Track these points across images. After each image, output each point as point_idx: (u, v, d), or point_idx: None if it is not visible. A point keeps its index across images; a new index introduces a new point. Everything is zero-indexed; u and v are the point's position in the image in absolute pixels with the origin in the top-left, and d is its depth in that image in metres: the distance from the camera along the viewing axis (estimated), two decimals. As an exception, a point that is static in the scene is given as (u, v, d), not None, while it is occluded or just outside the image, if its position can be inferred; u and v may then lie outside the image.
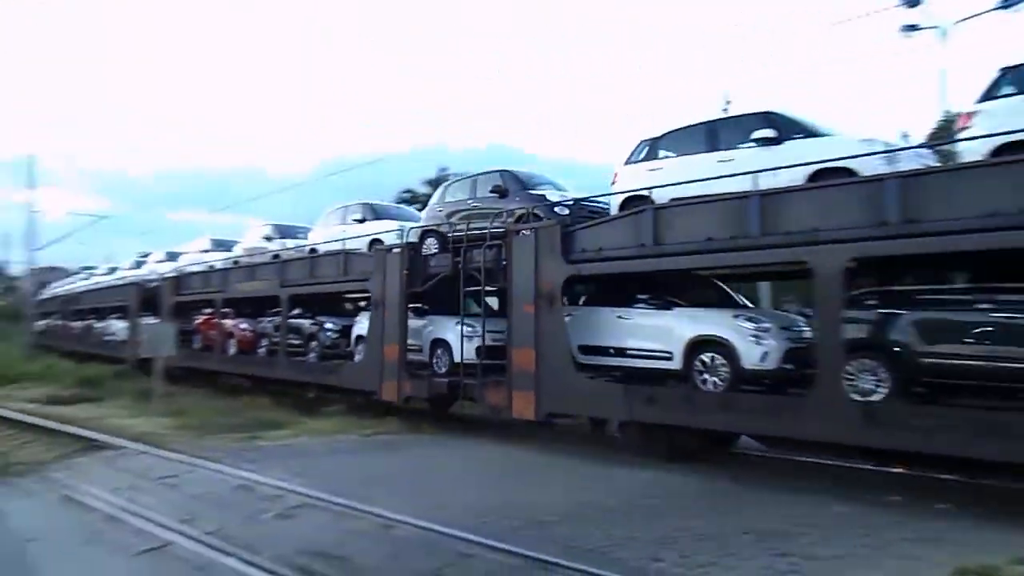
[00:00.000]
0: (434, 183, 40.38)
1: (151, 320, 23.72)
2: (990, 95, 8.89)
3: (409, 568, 5.82)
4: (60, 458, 11.07)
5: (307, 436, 12.72)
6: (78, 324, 34.94)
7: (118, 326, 28.85)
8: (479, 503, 7.89)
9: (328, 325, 17.69)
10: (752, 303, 12.49)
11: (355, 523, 7.11)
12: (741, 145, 10.25)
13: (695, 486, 8.87)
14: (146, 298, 26.60)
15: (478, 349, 13.17)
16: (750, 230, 9.40)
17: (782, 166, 9.36)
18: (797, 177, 9.30)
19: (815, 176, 9.20)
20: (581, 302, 12.50)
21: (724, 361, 9.89)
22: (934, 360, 8.19)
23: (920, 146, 10.33)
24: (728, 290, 11.53)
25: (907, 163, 8.88)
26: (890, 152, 9.15)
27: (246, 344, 20.53)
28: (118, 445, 11.76)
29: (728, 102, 23.73)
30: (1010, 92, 8.78)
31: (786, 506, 7.80)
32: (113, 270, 34.87)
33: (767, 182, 9.37)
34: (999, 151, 8.19)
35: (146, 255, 31.16)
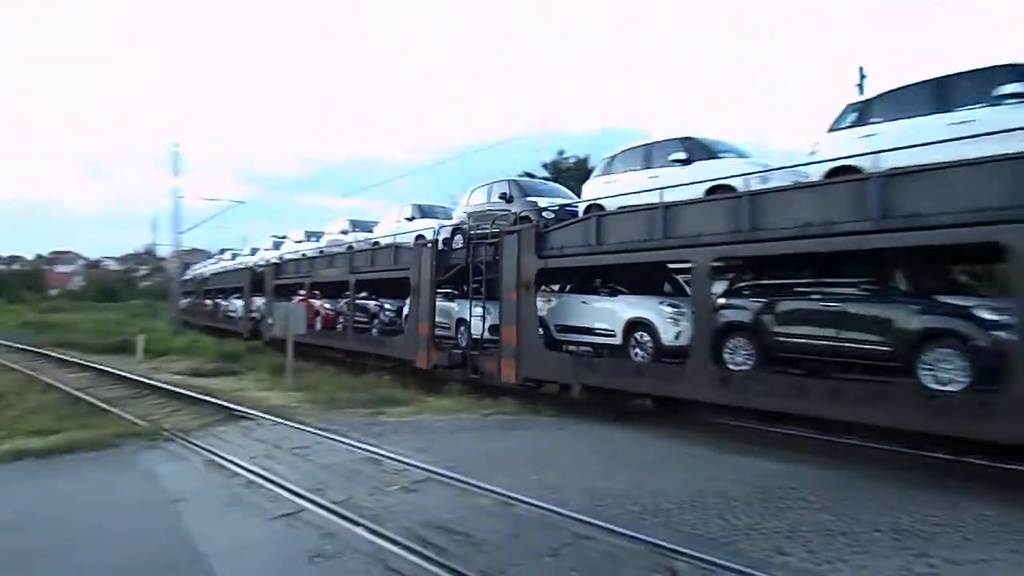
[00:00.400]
0: (552, 166, 40.40)
1: (281, 301, 25.12)
2: (835, 126, 10.72)
3: (529, 547, 5.93)
4: (204, 426, 11.94)
5: (428, 414, 13.15)
6: (208, 302, 39.94)
7: (237, 304, 33.53)
8: (597, 486, 7.93)
9: (387, 306, 21.19)
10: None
11: (476, 500, 7.32)
12: (978, 106, 8.97)
13: (819, 478, 8.54)
14: (255, 280, 31.14)
15: (490, 328, 15.94)
16: (656, 235, 11.96)
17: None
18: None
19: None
20: (559, 289, 15.13)
21: (649, 338, 12.37)
22: (785, 339, 10.35)
23: (783, 167, 11.46)
24: (674, 280, 13.50)
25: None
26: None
27: (328, 321, 24.11)
28: (255, 416, 12.58)
29: (864, 76, 22.47)
30: (847, 125, 10.58)
31: (921, 504, 7.38)
32: (235, 256, 40.43)
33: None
34: (832, 173, 10.13)
35: (283, 237, 33.25)
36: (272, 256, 31.13)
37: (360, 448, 9.82)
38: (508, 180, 17.34)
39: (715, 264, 11.19)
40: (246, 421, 12.32)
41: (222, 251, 49.22)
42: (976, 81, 9.25)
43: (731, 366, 10.86)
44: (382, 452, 9.47)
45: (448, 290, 18.12)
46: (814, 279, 10.34)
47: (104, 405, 14.91)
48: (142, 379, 18.65)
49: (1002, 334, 8.08)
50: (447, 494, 7.58)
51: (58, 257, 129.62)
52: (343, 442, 10.29)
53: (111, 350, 29.99)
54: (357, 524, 6.46)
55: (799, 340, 10.17)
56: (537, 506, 6.97)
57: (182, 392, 15.82)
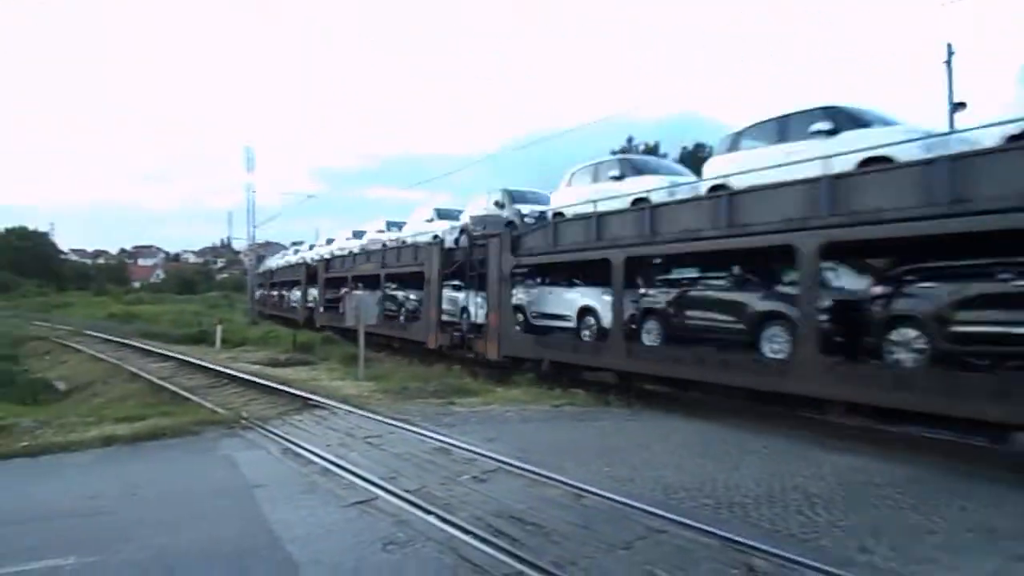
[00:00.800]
0: (622, 152, 39.95)
1: (358, 292, 25.91)
2: (716, 152, 13.65)
3: (600, 539, 5.92)
4: (280, 415, 12.32)
5: (498, 404, 13.25)
6: (274, 294, 44.19)
7: (296, 295, 37.72)
8: (670, 479, 7.86)
9: (412, 296, 24.18)
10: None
11: (547, 491, 7.35)
12: (801, 139, 11.74)
13: (904, 475, 8.25)
14: (310, 274, 35.44)
15: (485, 314, 18.95)
16: (591, 238, 15.36)
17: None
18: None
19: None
20: (536, 282, 18.19)
21: (594, 321, 15.39)
22: (687, 321, 13.20)
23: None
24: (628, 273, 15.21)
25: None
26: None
27: None
28: (328, 405, 12.92)
29: (952, 54, 21.50)
30: (724, 151, 13.47)
31: (1016, 504, 7.06)
32: (296, 251, 45.31)
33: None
34: (712, 190, 13.07)
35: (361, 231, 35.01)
36: (325, 252, 35.77)
37: (431, 438, 9.98)
38: (502, 189, 20.79)
39: (629, 260, 14.26)
40: (320, 410, 12.65)
41: (293, 244, 50.74)
42: (801, 119, 11.95)
43: (647, 342, 13.99)
44: (453, 442, 9.61)
45: (456, 283, 21.25)
46: (699, 274, 13.46)
47: (185, 393, 15.56)
48: (220, 369, 19.34)
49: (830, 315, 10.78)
50: (517, 484, 7.63)
51: (140, 251, 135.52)
52: (414, 431, 10.47)
53: (190, 340, 31.25)
54: (429, 512, 6.57)
55: (689, 322, 13.21)
56: (608, 498, 6.96)
57: (259, 382, 16.35)
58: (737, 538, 5.81)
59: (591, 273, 15.83)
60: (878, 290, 10.39)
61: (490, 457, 8.69)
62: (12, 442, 9.99)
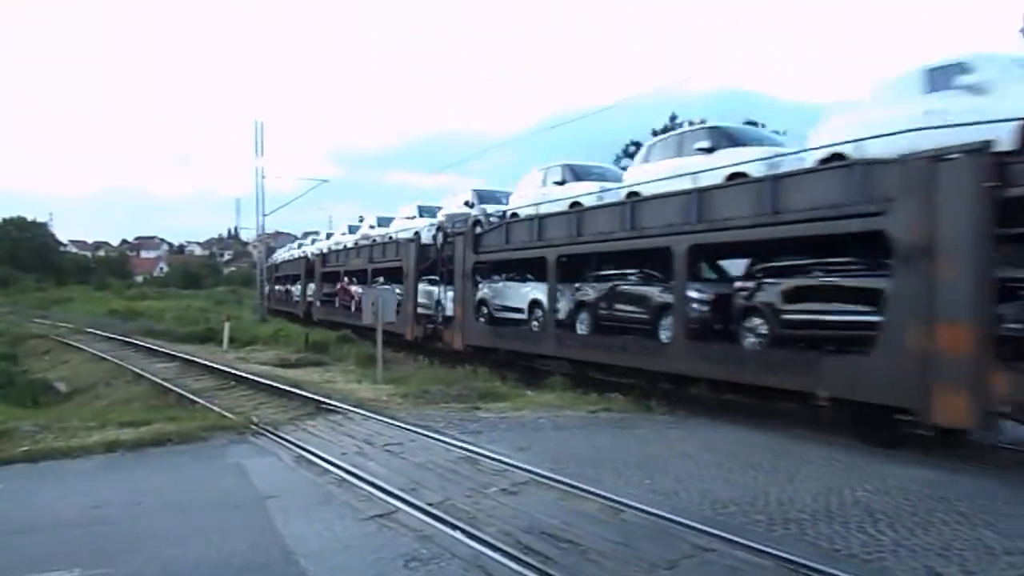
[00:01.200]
0: (664, 132, 39.74)
1: (381, 286, 26.36)
2: (633, 163, 17.28)
3: (641, 558, 5.90)
4: (292, 420, 12.46)
5: (529, 409, 13.25)
6: (279, 288, 46.77)
7: (298, 290, 41.05)
8: (718, 492, 7.82)
9: (396, 290, 25.16)
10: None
11: (582, 504, 7.34)
12: (690, 154, 14.83)
13: (976, 489, 8.11)
14: (309, 268, 38.77)
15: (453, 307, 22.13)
16: (535, 240, 18.49)
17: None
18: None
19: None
20: (498, 278, 20.98)
21: (541, 313, 18.27)
22: (610, 312, 16.02)
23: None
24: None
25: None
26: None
27: (359, 303, 29.55)
28: (344, 410, 13.02)
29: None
30: (639, 162, 17.00)
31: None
32: (300, 245, 48.68)
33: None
34: (629, 196, 16.26)
35: (361, 220, 35.85)
36: (325, 246, 39.34)
37: (456, 446, 10.02)
38: (473, 190, 24.28)
39: (561, 259, 17.54)
40: (335, 415, 12.76)
41: (306, 235, 51.21)
42: (691, 137, 15.48)
43: (580, 331, 16.86)
44: (479, 450, 9.63)
45: (433, 278, 24.04)
46: (619, 271, 16.31)
47: (192, 396, 15.79)
48: (228, 369, 19.59)
49: (696, 306, 13.83)
50: (550, 497, 7.63)
51: (143, 243, 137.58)
52: (437, 439, 10.52)
53: (196, 339, 31.71)
54: (454, 527, 6.60)
55: (612, 313, 16.02)
56: (650, 513, 6.93)
57: (269, 384, 16.55)
58: (793, 557, 5.76)
59: (544, 269, 18.20)
60: (738, 285, 13.24)
61: (520, 467, 8.70)
62: (12, 447, 10.18)
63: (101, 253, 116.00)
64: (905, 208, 9.95)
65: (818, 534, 6.52)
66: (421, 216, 27.48)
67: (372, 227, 33.08)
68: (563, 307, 17.57)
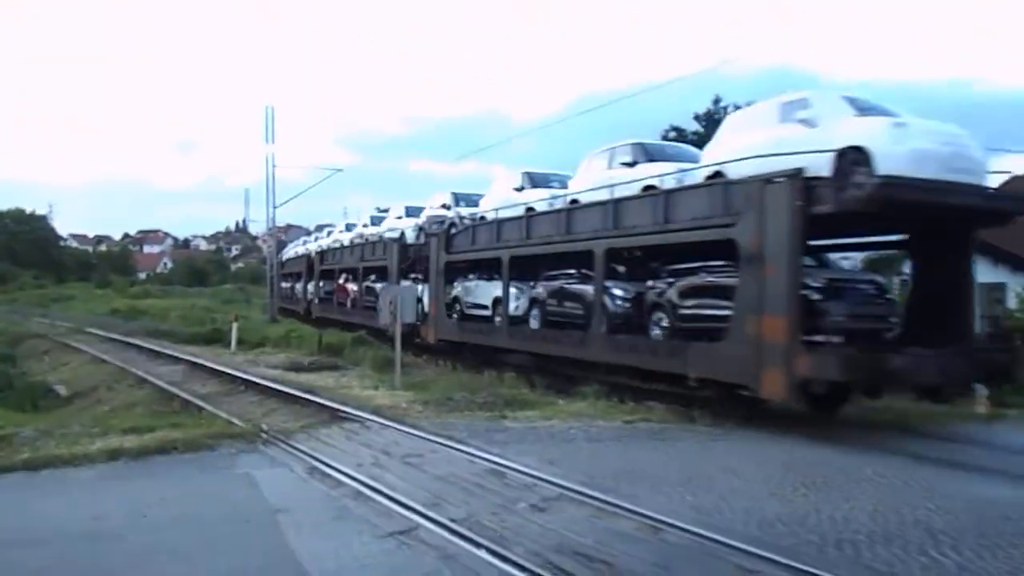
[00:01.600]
0: (705, 117, 39.43)
1: (404, 283, 26.74)
2: (584, 169, 19.84)
3: (682, 581, 5.90)
4: (305, 428, 12.55)
5: (560, 419, 13.26)
6: (286, 285, 48.12)
7: (299, 287, 43.94)
8: (765, 510, 7.79)
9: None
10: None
11: (618, 522, 7.34)
12: (616, 167, 18.12)
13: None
14: (310, 266, 41.82)
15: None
16: (495, 241, 21.79)
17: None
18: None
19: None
20: (470, 277, 23.85)
21: (503, 309, 20.92)
22: (556, 309, 18.96)
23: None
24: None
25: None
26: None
27: (356, 301, 33.84)
28: (360, 418, 13.12)
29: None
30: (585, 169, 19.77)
31: None
32: (304, 241, 50.45)
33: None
34: (572, 202, 19.35)
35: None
36: (325, 243, 42.52)
37: (481, 457, 10.05)
38: (452, 193, 27.50)
39: (512, 258, 20.67)
40: (351, 423, 12.85)
41: (319, 228, 51.57)
42: (618, 151, 18.47)
43: (532, 326, 19.82)
44: (507, 463, 9.66)
45: (417, 276, 26.77)
46: (562, 270, 19.07)
47: (199, 402, 16.00)
48: (237, 373, 19.80)
49: (617, 302, 16.78)
50: (583, 514, 7.64)
51: (146, 236, 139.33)
52: (461, 450, 10.56)
53: (202, 340, 32.07)
54: (479, 546, 6.62)
55: (558, 309, 18.97)
56: (692, 532, 6.91)
57: (280, 389, 16.71)
58: (847, 584, 5.73)
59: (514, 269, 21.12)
60: (650, 284, 16.09)
61: (551, 482, 8.71)
62: (12, 454, 10.38)
63: (103, 248, 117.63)
64: (746, 221, 12.90)
65: (875, 556, 6.47)
66: (409, 216, 30.64)
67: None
68: (521, 304, 20.50)
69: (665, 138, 37.58)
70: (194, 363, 23.37)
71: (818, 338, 12.08)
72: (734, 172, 13.97)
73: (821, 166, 12.20)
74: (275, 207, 45.00)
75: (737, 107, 35.47)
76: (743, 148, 14.01)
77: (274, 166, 43.98)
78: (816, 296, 12.56)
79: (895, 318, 13.78)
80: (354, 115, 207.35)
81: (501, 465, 9.59)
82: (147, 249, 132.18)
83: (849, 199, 11.76)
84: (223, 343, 30.16)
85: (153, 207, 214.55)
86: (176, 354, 26.39)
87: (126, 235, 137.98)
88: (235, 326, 29.92)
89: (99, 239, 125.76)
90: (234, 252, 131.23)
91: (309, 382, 18.65)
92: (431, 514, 7.53)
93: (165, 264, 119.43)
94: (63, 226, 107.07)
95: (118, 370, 24.14)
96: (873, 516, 7.64)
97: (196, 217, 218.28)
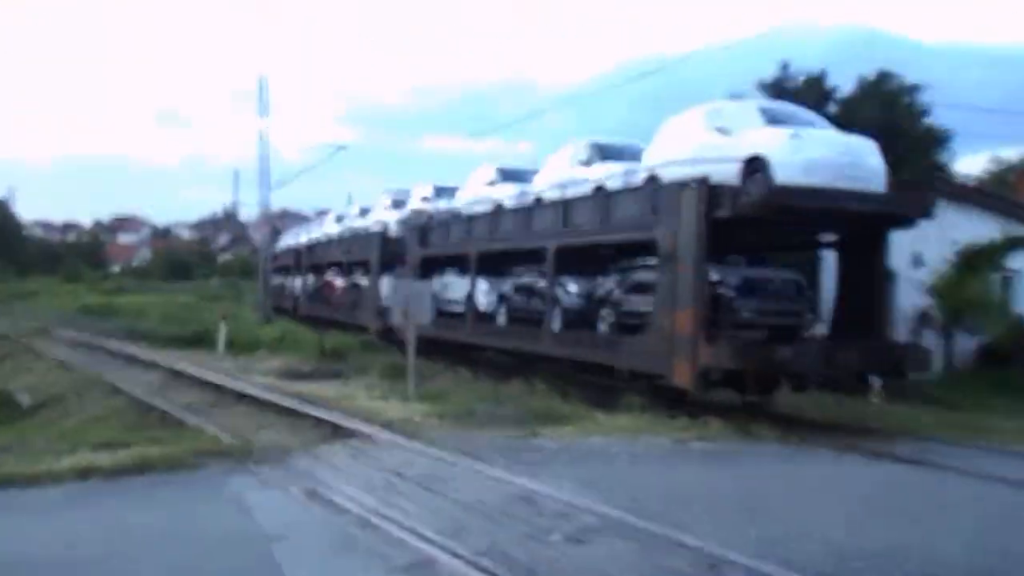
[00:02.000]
0: (773, 87, 39.04)
1: (404, 278, 26.93)
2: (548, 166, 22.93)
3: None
4: (304, 445, 12.63)
5: (599, 436, 13.27)
6: (278, 281, 49.21)
7: (289, 282, 46.40)
8: (843, 542, 7.75)
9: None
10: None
11: (668, 558, 7.29)
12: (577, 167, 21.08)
13: None
14: (298, 259, 44.64)
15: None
16: (464, 237, 25.25)
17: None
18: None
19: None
20: (447, 272, 26.43)
21: (471, 305, 24.06)
22: (517, 304, 22.37)
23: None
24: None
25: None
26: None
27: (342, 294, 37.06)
28: (368, 433, 13.17)
29: None
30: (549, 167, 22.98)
31: None
32: (298, 234, 52.04)
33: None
34: (537, 200, 22.42)
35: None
36: (318, 234, 44.75)
37: (508, 480, 10.06)
38: (433, 185, 30.66)
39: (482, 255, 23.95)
40: (357, 440, 12.90)
41: (319, 214, 51.77)
42: (577, 149, 21.53)
43: (499, 322, 22.76)
44: (538, 487, 9.64)
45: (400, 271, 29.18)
46: (526, 267, 22.01)
47: (181, 414, 16.11)
48: (225, 382, 19.93)
49: (572, 298, 19.80)
50: (627, 548, 7.60)
51: (120, 224, 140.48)
52: (485, 472, 10.58)
53: (185, 343, 32.35)
54: (507, 583, 6.62)
55: (521, 305, 22.05)
56: (755, 570, 6.87)
57: (276, 400, 16.80)
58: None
59: (483, 265, 24.33)
60: (600, 280, 19.16)
61: (589, 509, 8.70)
62: (-32, 471, 10.48)
63: (71, 237, 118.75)
64: (664, 223, 15.91)
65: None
66: (395, 207, 33.37)
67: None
68: (490, 300, 23.67)
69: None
70: (176, 369, 23.55)
71: (741, 332, 15.55)
72: (667, 176, 16.84)
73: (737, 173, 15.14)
74: (269, 190, 45.37)
75: (810, 76, 35.18)
76: (673, 153, 17.21)
77: (268, 143, 44.15)
78: (731, 293, 15.64)
79: (810, 314, 17.29)
80: (358, 86, 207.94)
81: (532, 490, 9.57)
82: (122, 238, 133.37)
83: (743, 205, 14.82)
84: (209, 346, 30.36)
85: (129, 190, 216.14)
86: (155, 359, 26.63)
87: (98, 222, 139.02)
88: (223, 327, 30.11)
89: (67, 227, 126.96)
90: (222, 242, 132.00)
91: (309, 392, 18.77)
92: (451, 545, 7.53)
93: (143, 256, 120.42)
94: (26, 212, 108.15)
95: (89, 376, 24.38)
96: (969, 548, 7.60)
97: (178, 202, 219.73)
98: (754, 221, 15.36)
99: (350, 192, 55.15)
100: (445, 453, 11.68)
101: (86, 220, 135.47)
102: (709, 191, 15.06)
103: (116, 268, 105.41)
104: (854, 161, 14.89)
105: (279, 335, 32.47)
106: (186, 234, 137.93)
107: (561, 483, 9.83)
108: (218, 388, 19.68)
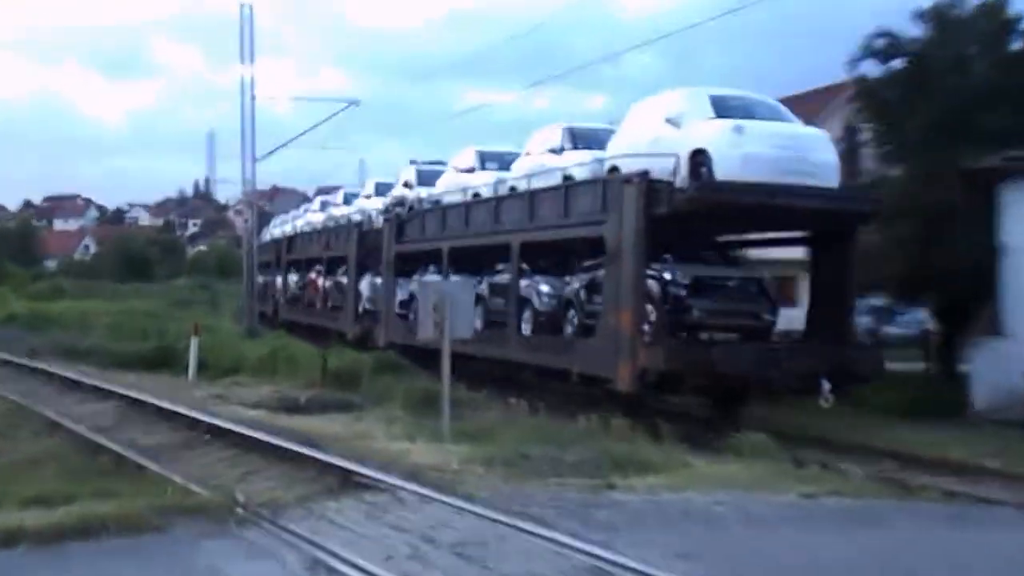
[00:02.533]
0: (933, 15, 38.62)
1: (431, 277, 27.39)
2: (527, 151, 28.60)
3: None
4: (303, 499, 12.66)
5: (699, 489, 13.16)
6: (260, 280, 51.06)
7: (272, 281, 50.97)
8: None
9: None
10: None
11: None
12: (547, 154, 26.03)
13: None
14: (278, 255, 50.24)
15: (400, 302, 32.41)
16: (438, 230, 31.68)
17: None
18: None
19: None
20: (431, 270, 30.18)
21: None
22: (492, 307, 27.41)
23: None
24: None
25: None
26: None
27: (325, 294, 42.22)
28: (388, 484, 13.16)
29: None
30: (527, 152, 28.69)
31: None
32: (283, 222, 58.71)
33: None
34: (512, 189, 28.76)
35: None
36: (301, 224, 50.94)
37: (575, 548, 10.02)
38: (415, 168, 35.35)
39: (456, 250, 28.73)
40: (373, 493, 12.89)
41: (320, 191, 52.00)
42: (549, 134, 26.80)
43: (476, 326, 22.50)
44: (615, 557, 9.60)
45: (378, 268, 34.54)
46: (502, 264, 25.87)
47: (140, 458, 16.23)
48: (198, 415, 20.09)
49: (544, 299, 24.47)
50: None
51: (58, 205, 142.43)
52: (544, 536, 10.54)
53: (145, 364, 32.69)
54: None
55: (496, 307, 25.57)
56: None
57: (264, 439, 16.87)
58: None
59: (458, 262, 28.56)
60: (567, 280, 22.67)
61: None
62: None
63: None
64: (611, 219, 19.46)
65: None
66: (378, 195, 38.09)
67: (340, 203, 44.41)
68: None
69: (872, 49, 36.89)
70: (133, 399, 23.69)
71: (693, 333, 19.87)
72: (626, 168, 20.50)
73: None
74: (255, 160, 45.16)
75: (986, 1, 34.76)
76: (632, 144, 20.78)
77: (253, 97, 44.37)
78: (681, 292, 19.28)
79: (769, 315, 20.80)
80: (373, 17, 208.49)
81: (608, 562, 9.56)
82: (59, 224, 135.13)
83: (678, 201, 18.39)
84: (177, 368, 30.61)
85: (68, 160, 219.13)
86: (105, 385, 26.75)
87: (28, 203, 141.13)
88: (195, 342, 30.29)
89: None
90: (191, 229, 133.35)
91: (309, 428, 18.77)
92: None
93: (86, 247, 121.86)
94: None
95: (15, 408, 24.56)
96: None
97: (133, 175, 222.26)
98: (710, 216, 19.21)
99: (362, 159, 55.00)
100: (491, 511, 11.64)
101: (12, 202, 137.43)
102: (648, 186, 18.73)
103: (52, 264, 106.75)
104: (799, 155, 18.27)
105: (268, 352, 32.41)
106: (144, 218, 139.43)
107: (646, 553, 9.76)
108: (189, 423, 19.76)
